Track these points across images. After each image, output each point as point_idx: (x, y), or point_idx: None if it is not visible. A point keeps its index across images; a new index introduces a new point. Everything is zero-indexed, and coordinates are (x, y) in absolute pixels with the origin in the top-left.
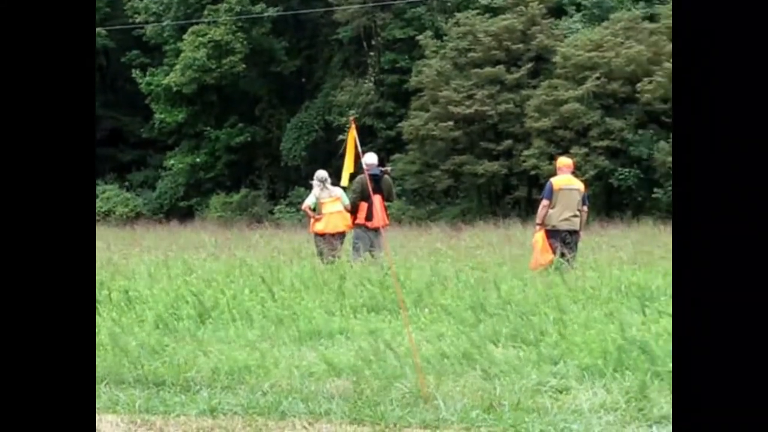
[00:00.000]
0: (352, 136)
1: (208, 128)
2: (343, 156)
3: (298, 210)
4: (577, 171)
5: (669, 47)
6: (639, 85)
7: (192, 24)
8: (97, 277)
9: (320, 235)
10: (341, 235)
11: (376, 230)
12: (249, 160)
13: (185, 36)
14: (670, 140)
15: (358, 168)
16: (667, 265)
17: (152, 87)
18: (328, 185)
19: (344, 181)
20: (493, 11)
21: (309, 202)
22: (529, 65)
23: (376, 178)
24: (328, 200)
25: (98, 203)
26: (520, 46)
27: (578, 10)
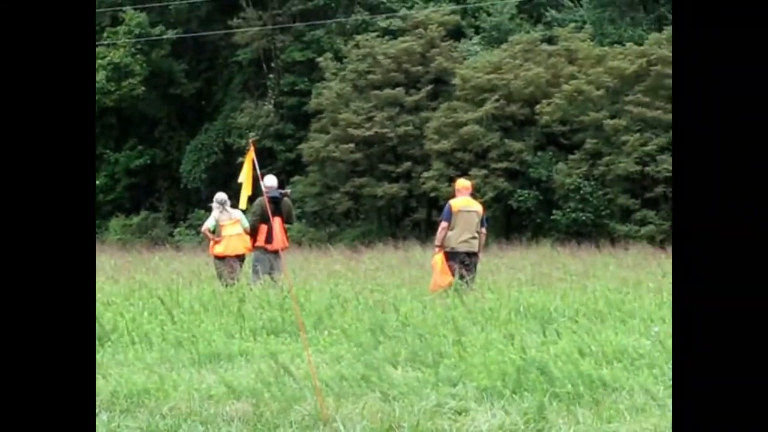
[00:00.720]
0: (250, 158)
1: (108, 151)
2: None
3: (198, 232)
4: (476, 193)
5: (567, 69)
6: (538, 107)
7: None
8: None
9: (220, 258)
10: (241, 258)
11: (275, 253)
12: (149, 182)
13: None
14: (568, 162)
15: (257, 190)
16: (566, 286)
17: None
18: (228, 207)
19: (242, 204)
20: (393, 34)
21: (209, 224)
22: (429, 87)
23: (275, 201)
24: (227, 223)
25: None
26: (420, 68)
27: (477, 33)
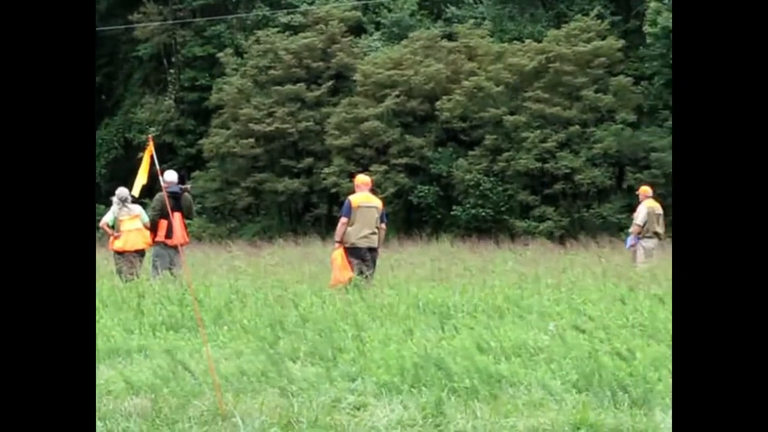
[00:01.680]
0: (148, 153)
1: None
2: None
3: (97, 228)
4: (376, 188)
5: (467, 66)
6: (438, 103)
7: None
8: None
9: (119, 253)
10: (140, 253)
11: (175, 248)
12: None
13: None
14: (468, 158)
15: (156, 185)
16: (465, 281)
17: None
18: (128, 203)
19: (136, 191)
20: (294, 29)
21: (107, 219)
22: (330, 83)
23: (175, 196)
24: (126, 218)
25: None
26: (321, 63)
27: (378, 29)
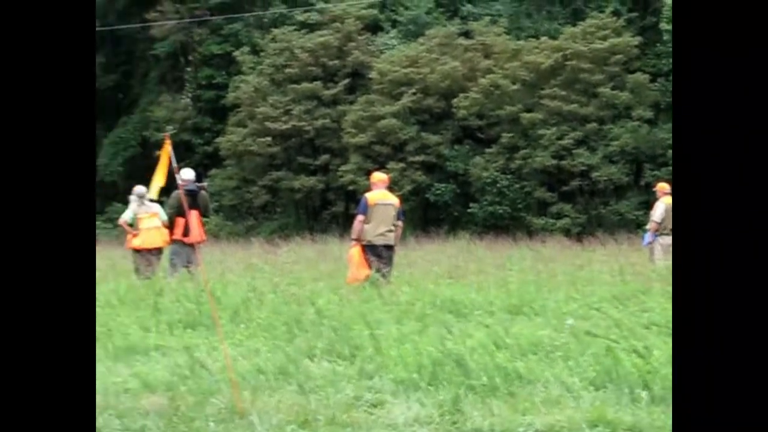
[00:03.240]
0: (166, 152)
1: None
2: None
3: (115, 226)
4: (393, 186)
5: (483, 63)
6: (454, 100)
7: None
8: None
9: (137, 251)
10: (158, 251)
11: (192, 246)
12: None
13: None
14: (485, 155)
15: (173, 183)
16: (482, 279)
17: None
18: (146, 201)
19: (153, 194)
20: (310, 27)
21: (126, 217)
22: (346, 81)
23: (192, 194)
24: (145, 216)
25: None
26: (337, 61)
27: (394, 26)
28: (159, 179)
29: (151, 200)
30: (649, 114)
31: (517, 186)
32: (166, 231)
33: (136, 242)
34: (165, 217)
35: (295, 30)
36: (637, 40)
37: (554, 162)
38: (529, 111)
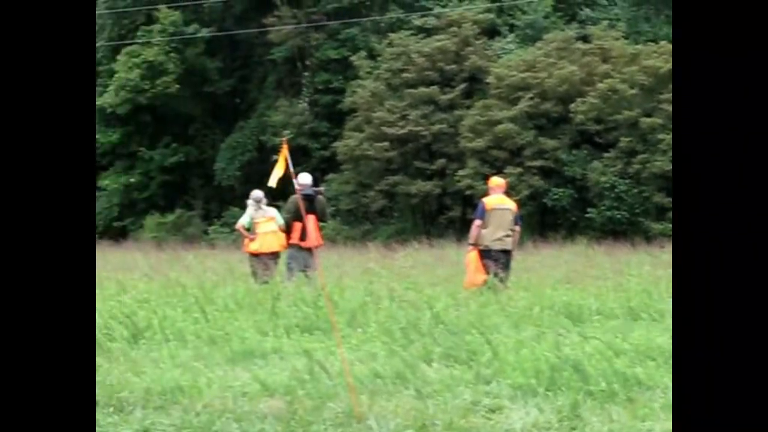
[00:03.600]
0: (283, 155)
1: (142, 149)
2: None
3: (233, 230)
4: (511, 191)
5: (601, 68)
6: (572, 105)
7: (125, 45)
8: None
9: (254, 255)
10: (275, 255)
11: (309, 250)
12: (183, 180)
13: (119, 57)
14: (603, 160)
15: (289, 187)
16: (600, 284)
17: None
18: (263, 205)
19: (273, 182)
20: (427, 32)
21: (243, 221)
22: (463, 86)
23: (309, 198)
24: (262, 220)
25: None
26: (454, 66)
27: (511, 31)
28: (279, 170)
29: (268, 203)
30: None
31: (636, 191)
32: (282, 235)
33: (254, 246)
34: (282, 222)
35: (412, 35)
36: None
37: None
38: (647, 115)
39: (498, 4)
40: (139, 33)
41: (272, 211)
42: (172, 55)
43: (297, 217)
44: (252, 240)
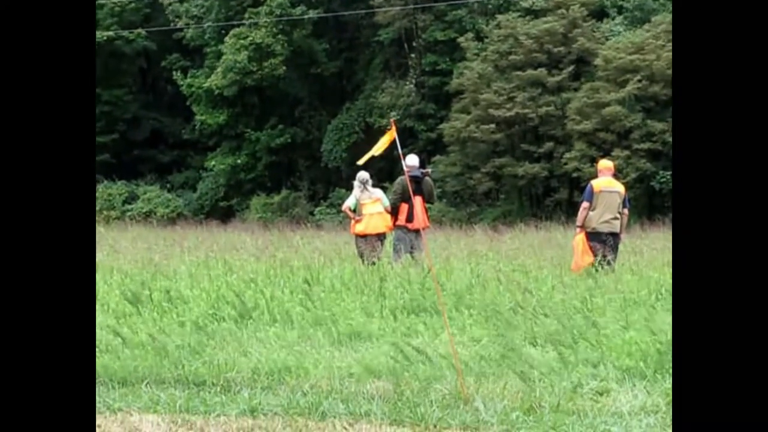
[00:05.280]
0: (390, 135)
1: (249, 130)
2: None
3: (339, 211)
4: (618, 173)
5: None
6: None
7: (233, 26)
8: (138, 278)
9: (361, 236)
10: (381, 236)
11: (416, 232)
12: (289, 161)
13: (226, 38)
14: None
15: (396, 167)
16: None
17: (193, 89)
18: (369, 187)
19: (363, 160)
20: (534, 14)
21: (349, 203)
22: (571, 68)
23: (417, 180)
24: (368, 201)
25: (139, 204)
26: (561, 48)
27: (620, 13)
28: (375, 150)
29: (369, 181)
30: None
31: None
32: (389, 216)
33: (359, 228)
34: (387, 203)
35: (520, 16)
36: None
37: None
38: None
39: None
40: (246, 15)
41: (378, 192)
42: (280, 36)
43: (405, 198)
44: (358, 221)
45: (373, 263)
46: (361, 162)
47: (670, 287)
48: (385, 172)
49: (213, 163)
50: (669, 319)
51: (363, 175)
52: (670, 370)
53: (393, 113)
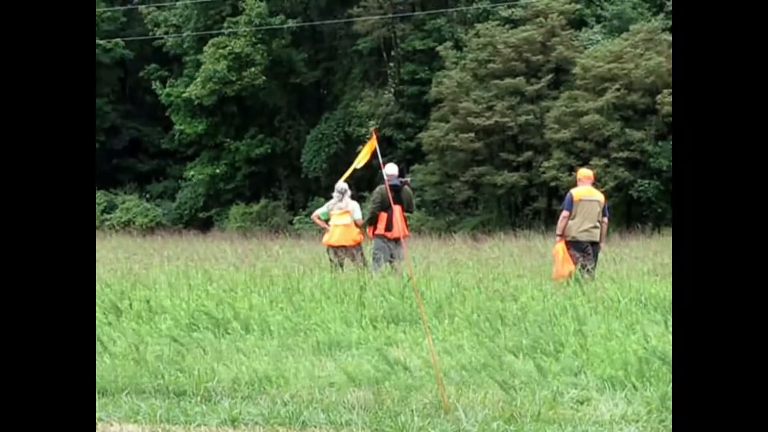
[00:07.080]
0: (371, 145)
1: (228, 139)
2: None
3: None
4: (597, 182)
5: None
6: (659, 96)
7: (212, 36)
8: (118, 287)
9: (331, 247)
10: (345, 249)
11: (396, 241)
12: (269, 171)
13: (205, 48)
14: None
15: (375, 176)
16: None
17: (172, 98)
18: (347, 197)
19: (345, 175)
20: (513, 23)
21: (319, 211)
22: (549, 77)
23: (396, 189)
24: (337, 213)
25: (118, 213)
26: (540, 57)
27: (598, 22)
28: (357, 163)
29: (347, 192)
30: None
31: None
32: (356, 230)
33: (325, 238)
34: (359, 216)
35: (499, 25)
36: None
37: None
38: None
39: None
40: (225, 24)
41: (352, 205)
42: (259, 46)
43: (384, 207)
44: (327, 231)
45: (340, 265)
46: (343, 178)
47: (650, 296)
48: (364, 181)
49: (192, 172)
50: (650, 327)
51: (341, 185)
52: (651, 379)
53: (372, 122)
